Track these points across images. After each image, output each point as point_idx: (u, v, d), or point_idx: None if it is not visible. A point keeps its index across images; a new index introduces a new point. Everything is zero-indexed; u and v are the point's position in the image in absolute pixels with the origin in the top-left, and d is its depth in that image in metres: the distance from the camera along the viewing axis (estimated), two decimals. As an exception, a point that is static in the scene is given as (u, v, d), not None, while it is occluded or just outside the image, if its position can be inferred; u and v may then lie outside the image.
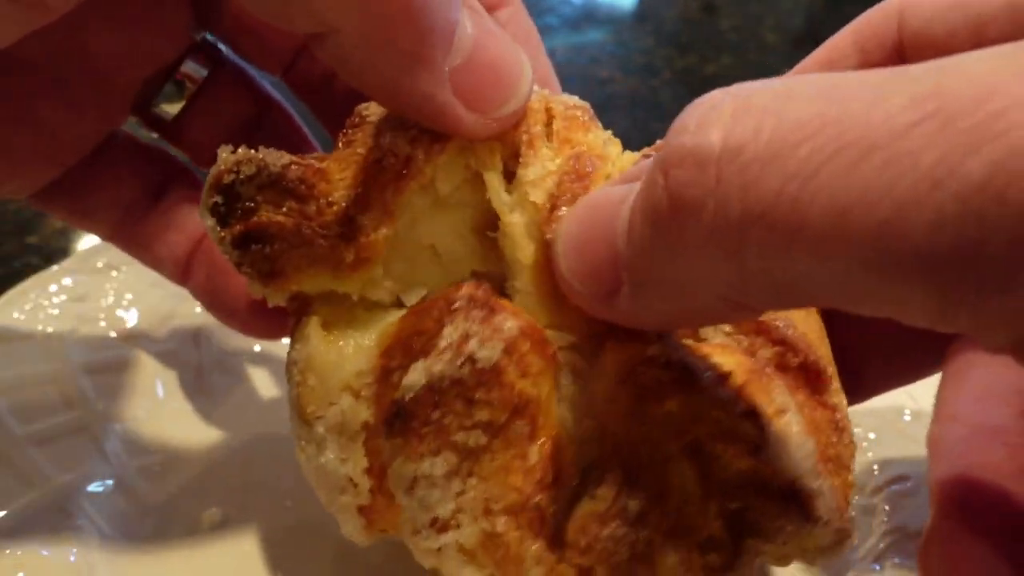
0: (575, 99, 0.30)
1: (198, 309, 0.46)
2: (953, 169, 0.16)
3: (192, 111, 0.37)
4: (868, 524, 0.36)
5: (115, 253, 0.48)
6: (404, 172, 0.27)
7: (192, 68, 0.37)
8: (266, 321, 0.35)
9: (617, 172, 0.28)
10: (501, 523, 0.25)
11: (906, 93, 0.17)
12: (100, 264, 0.48)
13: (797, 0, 1.23)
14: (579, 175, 0.27)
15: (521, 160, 0.28)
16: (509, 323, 0.26)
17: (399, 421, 0.25)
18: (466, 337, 0.25)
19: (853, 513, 0.27)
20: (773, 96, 0.18)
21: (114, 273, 0.47)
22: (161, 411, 0.41)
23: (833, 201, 0.17)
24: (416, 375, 0.25)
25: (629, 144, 0.30)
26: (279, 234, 0.27)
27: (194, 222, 0.36)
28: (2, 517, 0.35)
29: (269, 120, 0.38)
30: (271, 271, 0.28)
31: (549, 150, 0.28)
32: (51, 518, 0.35)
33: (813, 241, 0.17)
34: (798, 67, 0.31)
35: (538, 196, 0.27)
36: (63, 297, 0.45)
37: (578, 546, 0.25)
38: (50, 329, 0.43)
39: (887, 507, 0.36)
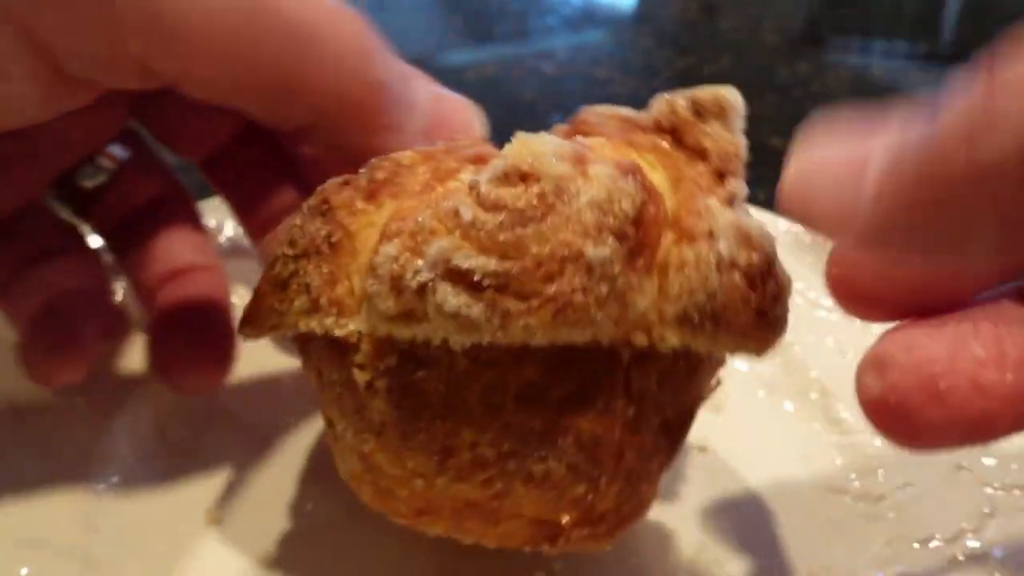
0: None
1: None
2: None
3: (109, 189, 0.39)
4: (872, 531, 0.36)
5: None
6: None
7: (116, 150, 0.39)
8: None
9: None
10: None
11: None
12: (108, 262, 0.47)
13: (797, 0, 1.23)
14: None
15: None
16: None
17: None
18: None
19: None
20: None
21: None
22: (165, 410, 0.42)
23: None
24: None
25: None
26: None
27: (45, 283, 0.37)
28: (2, 515, 0.35)
29: (171, 207, 0.40)
30: None
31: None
32: (53, 516, 0.35)
33: None
34: None
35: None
36: (68, 296, 0.45)
37: None
38: (54, 328, 0.43)
39: (892, 515, 0.36)
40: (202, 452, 0.40)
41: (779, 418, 0.42)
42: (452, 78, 0.88)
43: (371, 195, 0.27)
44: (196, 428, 0.41)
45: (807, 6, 1.23)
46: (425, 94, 0.31)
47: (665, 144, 0.29)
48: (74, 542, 0.35)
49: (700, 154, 0.28)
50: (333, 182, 0.28)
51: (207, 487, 0.38)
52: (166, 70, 0.28)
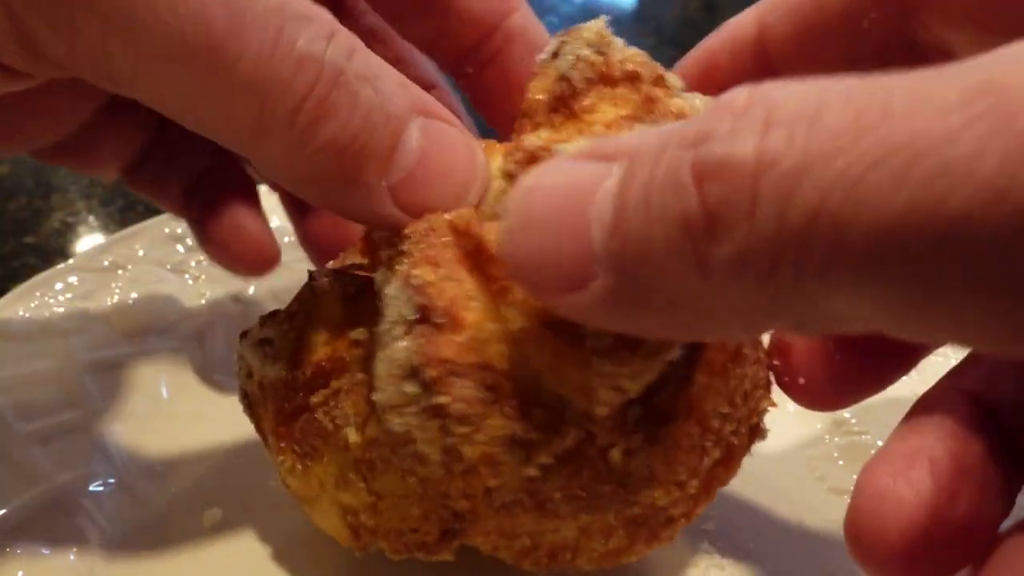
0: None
1: (203, 301, 0.47)
2: (1016, 178, 0.14)
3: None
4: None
5: (121, 252, 0.48)
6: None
7: None
8: (260, 256, 0.38)
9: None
10: None
11: (954, 90, 0.15)
12: (106, 263, 0.48)
13: (796, 1, 1.23)
14: None
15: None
16: None
17: None
18: None
19: None
20: (801, 102, 0.16)
21: (120, 272, 0.47)
22: (164, 411, 0.41)
23: (877, 217, 0.15)
24: None
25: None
26: None
27: (188, 162, 0.38)
28: (2, 516, 0.35)
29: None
30: None
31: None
32: (51, 517, 0.35)
33: (857, 263, 0.15)
34: (682, 66, 0.32)
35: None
36: (69, 295, 0.45)
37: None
38: (55, 327, 0.43)
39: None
40: (202, 453, 0.40)
41: (781, 419, 0.42)
42: (452, 77, 0.87)
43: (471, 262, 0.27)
44: (196, 429, 0.41)
45: (807, 6, 1.23)
46: (418, 140, 0.26)
47: (624, 91, 0.29)
48: (72, 544, 0.35)
49: (637, 77, 0.28)
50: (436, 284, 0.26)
51: (207, 487, 0.38)
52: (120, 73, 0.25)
